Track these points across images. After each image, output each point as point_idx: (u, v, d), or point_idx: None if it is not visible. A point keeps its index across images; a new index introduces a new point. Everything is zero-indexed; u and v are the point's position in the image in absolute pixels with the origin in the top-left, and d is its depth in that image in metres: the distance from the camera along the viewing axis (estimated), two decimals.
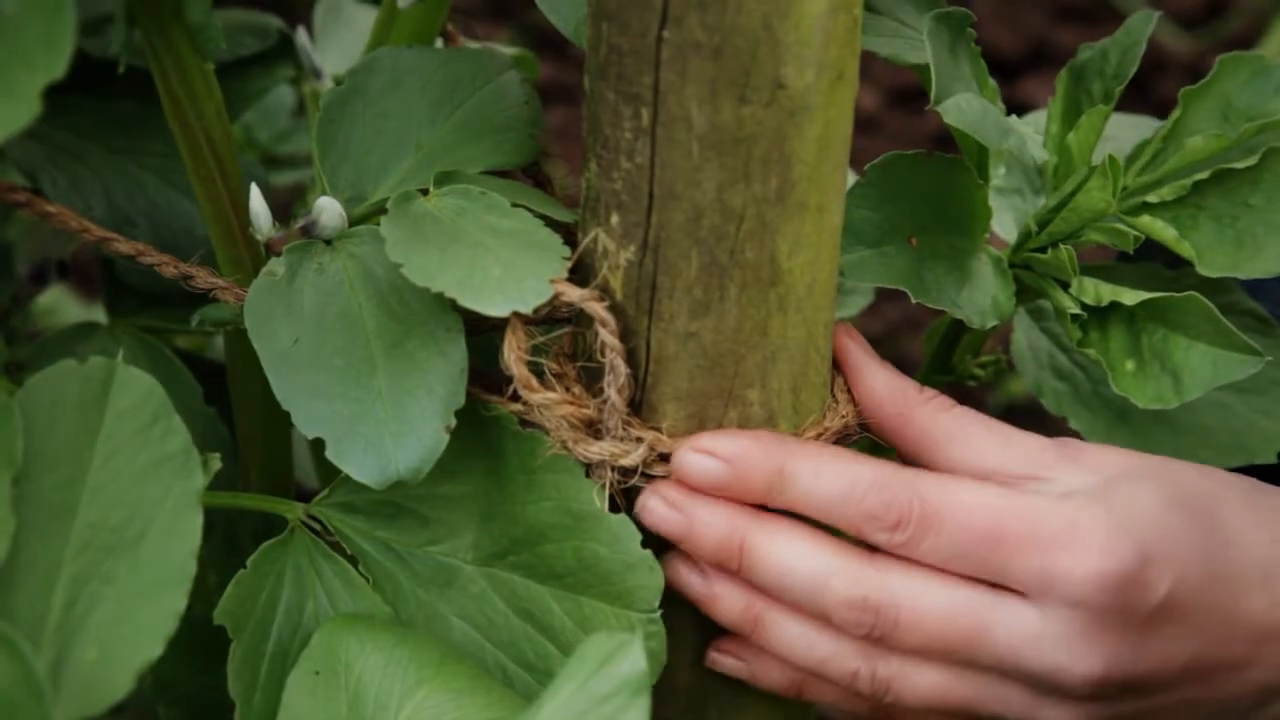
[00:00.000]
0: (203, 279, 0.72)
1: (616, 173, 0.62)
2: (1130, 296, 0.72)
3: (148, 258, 0.73)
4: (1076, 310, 0.73)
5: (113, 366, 0.64)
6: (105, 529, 0.62)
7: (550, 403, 0.65)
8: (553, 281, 0.64)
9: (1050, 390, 0.79)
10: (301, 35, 0.87)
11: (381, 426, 0.66)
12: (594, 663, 0.53)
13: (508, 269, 0.65)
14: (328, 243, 0.71)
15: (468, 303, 0.64)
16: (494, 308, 0.64)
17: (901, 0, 0.74)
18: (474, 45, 0.81)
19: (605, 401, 0.65)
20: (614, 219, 0.63)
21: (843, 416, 0.67)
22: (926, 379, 0.81)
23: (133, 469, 0.63)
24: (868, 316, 1.59)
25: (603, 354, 0.64)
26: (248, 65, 0.84)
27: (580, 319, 0.66)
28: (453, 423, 0.66)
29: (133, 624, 0.60)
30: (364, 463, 0.66)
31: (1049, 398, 0.79)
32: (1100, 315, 0.73)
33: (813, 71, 0.60)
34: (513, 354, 0.65)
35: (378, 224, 0.68)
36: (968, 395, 1.56)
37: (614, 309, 0.64)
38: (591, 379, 0.67)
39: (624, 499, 0.67)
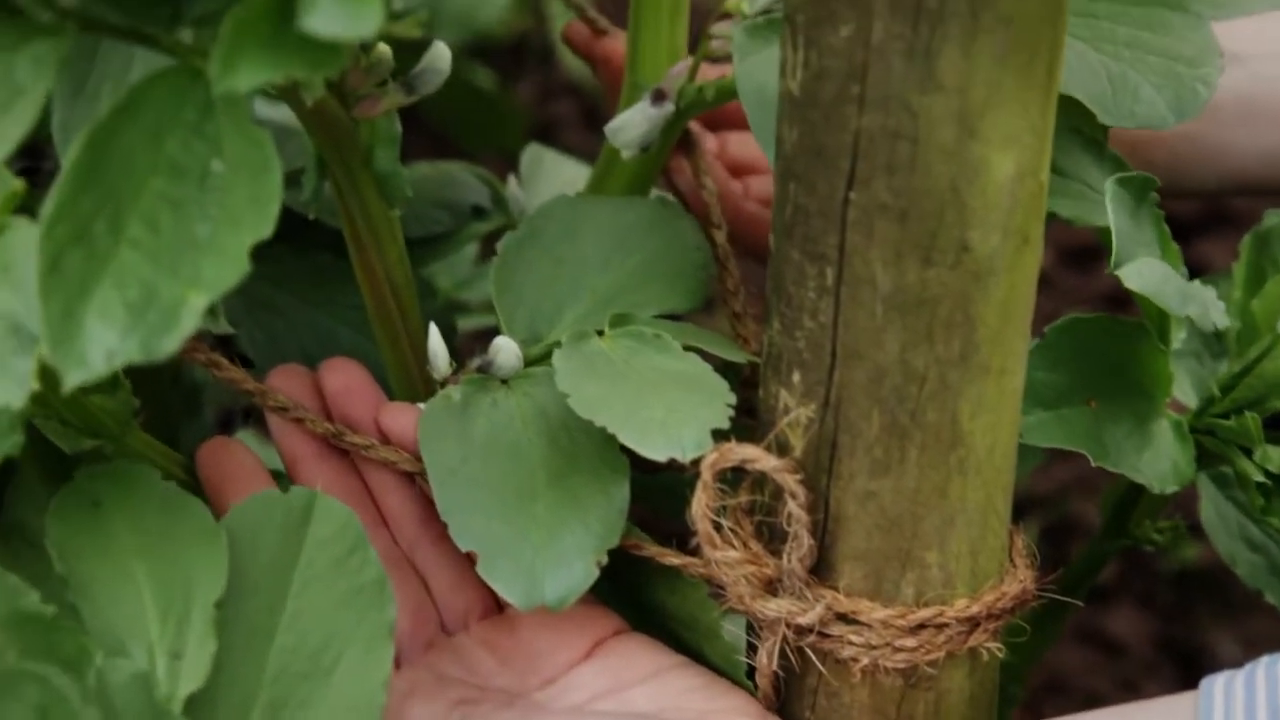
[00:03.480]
0: (347, 438, 0.73)
1: (799, 331, 0.62)
2: None
3: (297, 414, 0.74)
4: (1260, 479, 0.72)
5: (314, 496, 0.65)
6: (302, 655, 0.63)
7: (733, 561, 0.65)
8: (744, 446, 0.64)
9: (1245, 562, 0.78)
10: (513, 184, 0.89)
11: (535, 552, 0.67)
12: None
13: (671, 411, 0.66)
14: (504, 382, 0.72)
15: (628, 441, 0.65)
16: (653, 451, 0.64)
17: (1087, 164, 0.74)
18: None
19: (787, 566, 0.65)
20: (795, 376, 0.63)
21: (1020, 581, 0.66)
22: (1103, 543, 0.80)
23: (329, 597, 0.64)
24: (1039, 476, 1.57)
25: (789, 523, 0.64)
26: (439, 237, 0.86)
27: (761, 478, 0.66)
28: (605, 560, 0.67)
29: None
30: (513, 583, 0.67)
31: (1244, 570, 0.78)
32: None
33: (998, 236, 0.60)
34: (700, 509, 0.65)
35: (552, 366, 0.69)
36: (1142, 560, 1.53)
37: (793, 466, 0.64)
38: (760, 531, 0.67)
39: (797, 658, 0.66)
